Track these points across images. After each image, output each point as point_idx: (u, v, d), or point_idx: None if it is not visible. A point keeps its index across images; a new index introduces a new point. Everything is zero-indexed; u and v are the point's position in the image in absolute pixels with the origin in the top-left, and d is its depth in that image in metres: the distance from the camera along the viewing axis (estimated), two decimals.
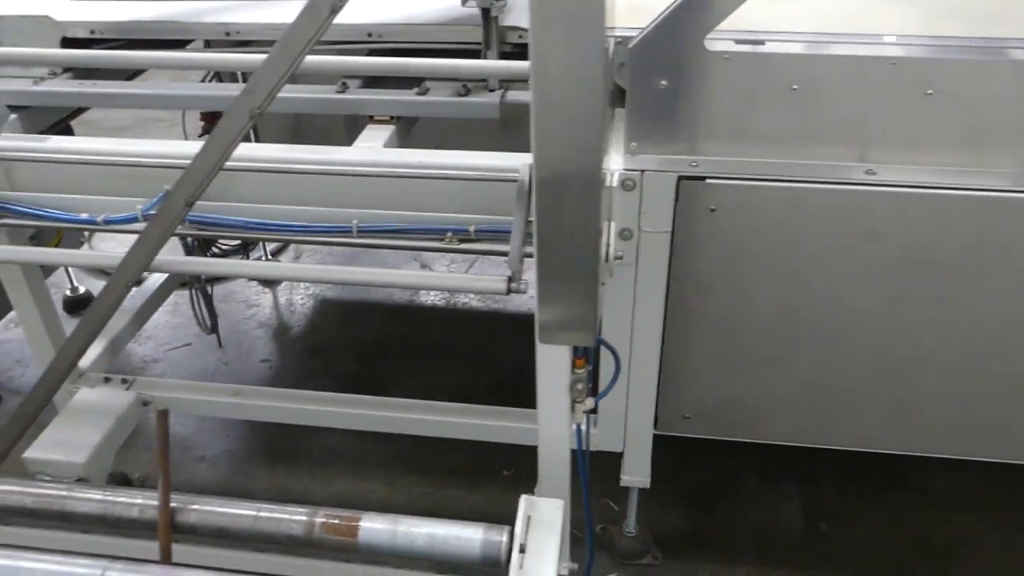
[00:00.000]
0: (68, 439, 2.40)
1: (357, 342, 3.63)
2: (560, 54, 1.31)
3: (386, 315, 3.80)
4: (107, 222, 2.01)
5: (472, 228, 1.90)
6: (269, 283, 3.97)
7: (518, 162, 1.81)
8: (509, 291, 1.68)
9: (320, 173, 1.90)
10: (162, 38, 2.33)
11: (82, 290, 3.84)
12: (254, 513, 1.60)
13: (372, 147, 2.09)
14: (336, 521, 1.58)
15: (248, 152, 1.99)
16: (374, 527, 1.56)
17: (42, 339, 2.55)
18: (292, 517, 1.59)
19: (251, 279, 3.99)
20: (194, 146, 2.08)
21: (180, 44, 2.35)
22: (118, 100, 2.30)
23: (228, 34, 2.28)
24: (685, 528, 2.72)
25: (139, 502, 1.63)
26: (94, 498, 1.64)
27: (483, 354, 3.53)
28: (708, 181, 1.94)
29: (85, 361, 2.72)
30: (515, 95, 2.17)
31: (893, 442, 2.32)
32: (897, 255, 1.99)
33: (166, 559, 1.60)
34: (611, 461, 2.46)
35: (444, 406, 2.52)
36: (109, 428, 2.47)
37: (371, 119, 2.20)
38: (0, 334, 3.76)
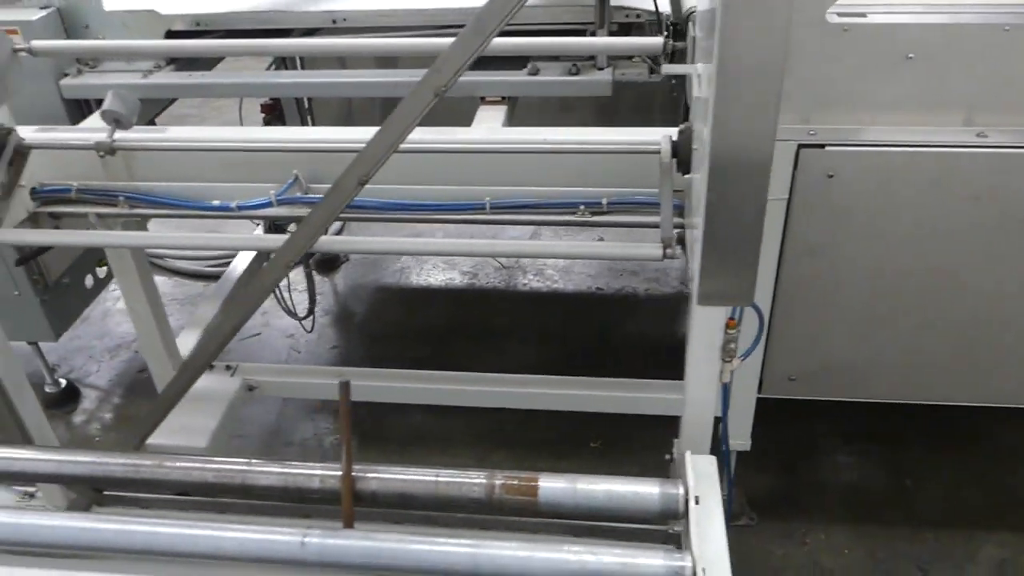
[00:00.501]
0: (187, 425, 2.45)
1: (422, 327, 3.68)
2: (748, 31, 1.37)
3: (446, 300, 3.86)
4: (241, 208, 2.05)
5: (605, 201, 1.96)
6: (330, 270, 4.02)
7: (656, 136, 1.88)
8: (664, 257, 1.75)
9: (457, 152, 1.96)
10: (267, 27, 2.36)
11: None
12: (434, 478, 1.66)
13: (491, 127, 2.15)
14: (515, 482, 1.64)
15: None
16: (554, 486, 1.63)
17: (149, 326, 2.58)
18: (473, 480, 1.65)
19: (400, 255, 4.01)
20: (318, 132, 2.15)
21: (281, 34, 2.39)
22: (227, 90, 2.34)
23: (335, 22, 2.32)
24: (777, 489, 2.81)
25: (319, 472, 1.69)
26: (274, 471, 1.70)
27: (549, 333, 3.60)
28: (828, 148, 2.02)
29: (183, 349, 2.77)
30: (623, 72, 2.24)
31: (984, 395, 2.42)
32: (998, 217, 2.09)
33: (348, 527, 1.66)
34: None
35: (559, 379, 2.60)
36: (223, 413, 2.53)
37: (482, 100, 2.26)
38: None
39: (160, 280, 3.97)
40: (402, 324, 3.71)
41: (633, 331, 3.60)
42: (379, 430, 3.12)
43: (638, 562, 1.49)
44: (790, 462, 2.90)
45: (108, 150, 1.98)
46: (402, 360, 3.47)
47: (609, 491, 1.62)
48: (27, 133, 2.04)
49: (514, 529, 2.11)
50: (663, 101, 3.17)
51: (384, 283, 3.96)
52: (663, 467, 2.21)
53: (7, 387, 2.07)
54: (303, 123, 3.51)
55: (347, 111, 3.57)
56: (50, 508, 2.27)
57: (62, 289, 3.09)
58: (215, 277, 4.02)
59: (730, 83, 1.41)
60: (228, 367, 2.69)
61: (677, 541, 1.79)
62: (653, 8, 2.14)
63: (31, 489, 2.33)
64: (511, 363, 3.35)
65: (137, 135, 2.03)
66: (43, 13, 2.30)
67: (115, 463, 1.74)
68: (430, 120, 2.19)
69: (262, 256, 3.46)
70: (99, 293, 3.74)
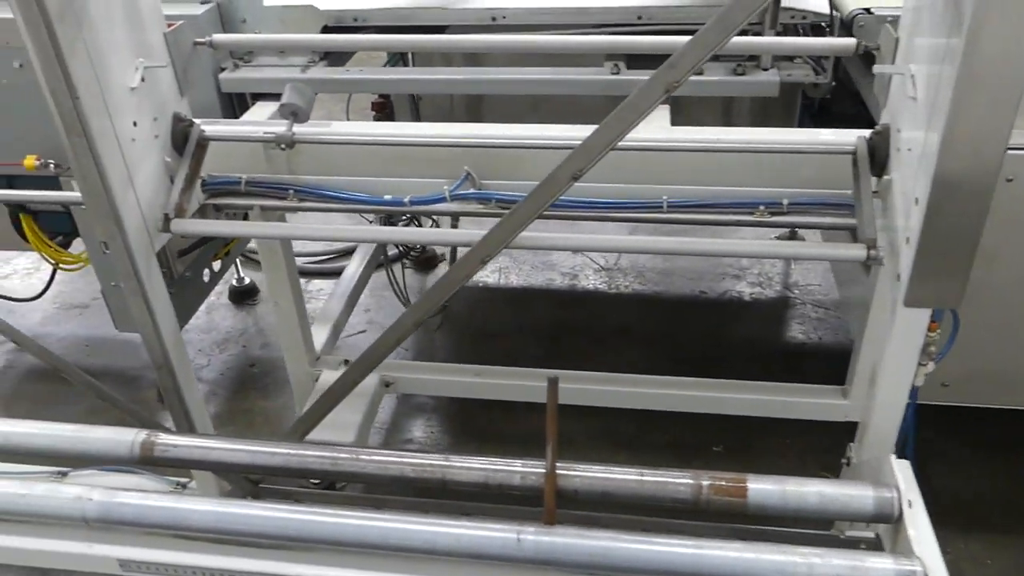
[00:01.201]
0: (332, 421, 2.45)
1: (529, 327, 3.68)
2: (998, 37, 1.35)
3: (549, 301, 3.85)
4: (414, 203, 2.06)
5: (785, 201, 1.94)
6: (428, 268, 4.03)
7: (843, 137, 1.87)
8: (868, 260, 1.73)
9: (639, 149, 1.94)
10: (426, 24, 2.37)
11: (247, 281, 3.90)
12: (638, 477, 1.65)
13: (661, 125, 2.14)
14: (723, 483, 1.63)
15: (556, 133, 2.04)
16: (763, 488, 1.61)
17: (291, 321, 2.59)
18: (679, 480, 1.63)
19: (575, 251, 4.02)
20: (487, 128, 2.13)
21: (438, 30, 2.39)
22: (392, 86, 2.35)
23: (494, 19, 2.32)
24: None
25: (520, 469, 1.68)
26: (475, 467, 1.69)
27: (656, 335, 3.58)
28: (1009, 152, 1.98)
29: (316, 345, 2.78)
30: (789, 73, 2.22)
31: None
32: None
33: (550, 524, 1.65)
34: (820, 431, 2.53)
35: (689, 381, 2.58)
36: (365, 408, 2.53)
37: None
38: None
39: (258, 275, 4.00)
40: (507, 323, 3.71)
41: (741, 335, 3.57)
42: (497, 430, 3.12)
43: (868, 566, 1.47)
44: (920, 470, 2.85)
45: (288, 143, 1.99)
46: (516, 359, 3.47)
47: (821, 493, 1.60)
48: (205, 126, 2.05)
49: (674, 531, 2.11)
50: (784, 102, 3.14)
51: (484, 282, 3.96)
52: (794, 471, 2.17)
53: (179, 377, 2.09)
54: (416, 120, 3.52)
55: (449, 108, 3.57)
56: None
57: (185, 282, 3.12)
58: (310, 273, 4.05)
59: (972, 87, 1.40)
60: None
61: (873, 545, 1.78)
62: (825, 11, 2.12)
63: (184, 480, 2.35)
64: (621, 364, 3.33)
65: (313, 129, 2.04)
66: (205, 8, 2.32)
67: (312, 455, 1.74)
68: (559, 117, 2.21)
69: (377, 252, 3.48)
70: (214, 287, 3.78)
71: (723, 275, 3.88)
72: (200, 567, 1.68)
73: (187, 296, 3.22)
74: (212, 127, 2.05)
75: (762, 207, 1.96)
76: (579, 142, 1.99)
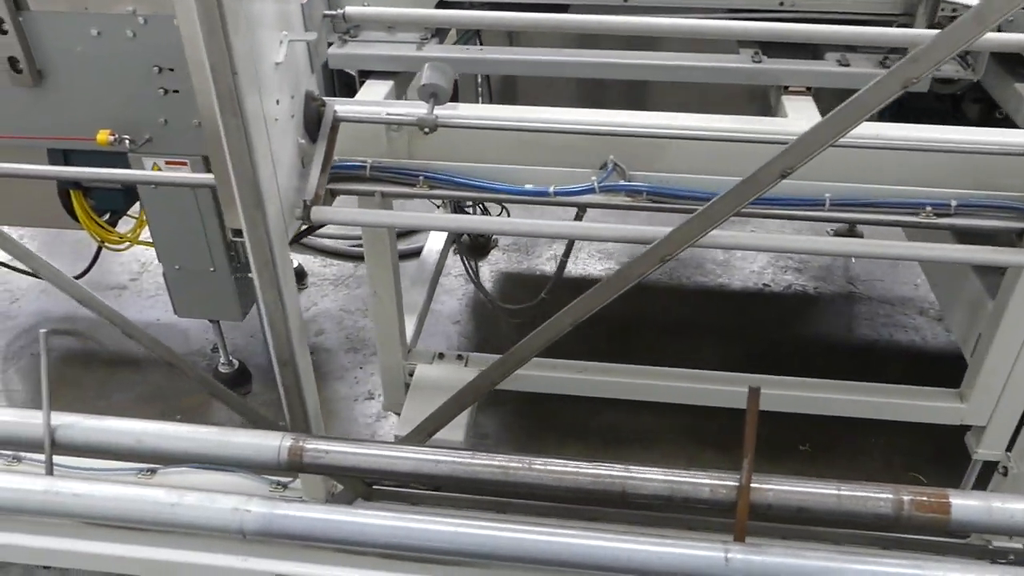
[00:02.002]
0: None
1: (595, 319, 3.56)
2: None
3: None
4: (558, 194, 1.94)
5: (953, 202, 1.87)
6: (480, 255, 3.90)
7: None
8: None
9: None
10: (548, 2, 2.24)
11: (296, 264, 3.74)
12: (836, 492, 1.57)
13: (811, 116, 2.05)
14: (925, 499, 1.55)
15: (691, 123, 1.94)
16: (967, 504, 1.54)
17: (390, 310, 2.46)
18: (879, 496, 1.56)
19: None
20: (640, 117, 2.01)
21: (560, 8, 2.26)
22: (514, 67, 2.22)
23: (625, 1, 2.21)
24: None
25: (709, 482, 1.59)
26: (658, 478, 1.60)
27: (722, 329, 3.52)
28: None
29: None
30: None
31: None
32: None
33: (740, 540, 1.57)
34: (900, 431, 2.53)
35: (776, 379, 2.53)
36: (473, 406, 2.41)
37: (784, 90, 2.15)
38: None
39: (305, 259, 3.85)
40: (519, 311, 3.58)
41: (808, 329, 3.52)
42: (581, 426, 3.03)
43: None
44: None
45: (431, 126, 1.86)
46: (583, 353, 3.37)
47: None
48: (337, 106, 1.91)
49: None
50: None
51: (538, 270, 3.85)
52: (881, 471, 2.09)
53: (301, 377, 1.96)
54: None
55: (513, 91, 3.43)
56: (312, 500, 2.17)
57: (248, 267, 2.97)
58: (359, 257, 3.90)
59: None
60: (460, 356, 2.58)
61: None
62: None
63: (285, 479, 2.22)
64: (694, 359, 3.26)
65: (457, 112, 1.91)
66: None
67: (481, 464, 1.63)
68: (697, 107, 2.11)
69: (449, 241, 3.36)
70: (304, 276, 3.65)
71: (785, 268, 3.82)
72: None
73: (250, 282, 3.07)
74: (345, 107, 1.91)
75: (928, 208, 1.89)
76: (731, 134, 1.93)
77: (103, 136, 2.55)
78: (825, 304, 3.64)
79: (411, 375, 2.56)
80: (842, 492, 1.57)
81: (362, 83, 2.27)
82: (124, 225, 3.05)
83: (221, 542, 1.57)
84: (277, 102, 1.73)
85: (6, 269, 3.53)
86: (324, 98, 1.91)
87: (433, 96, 1.89)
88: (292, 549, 1.57)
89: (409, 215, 2.10)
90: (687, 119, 1.96)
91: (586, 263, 3.89)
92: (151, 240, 2.92)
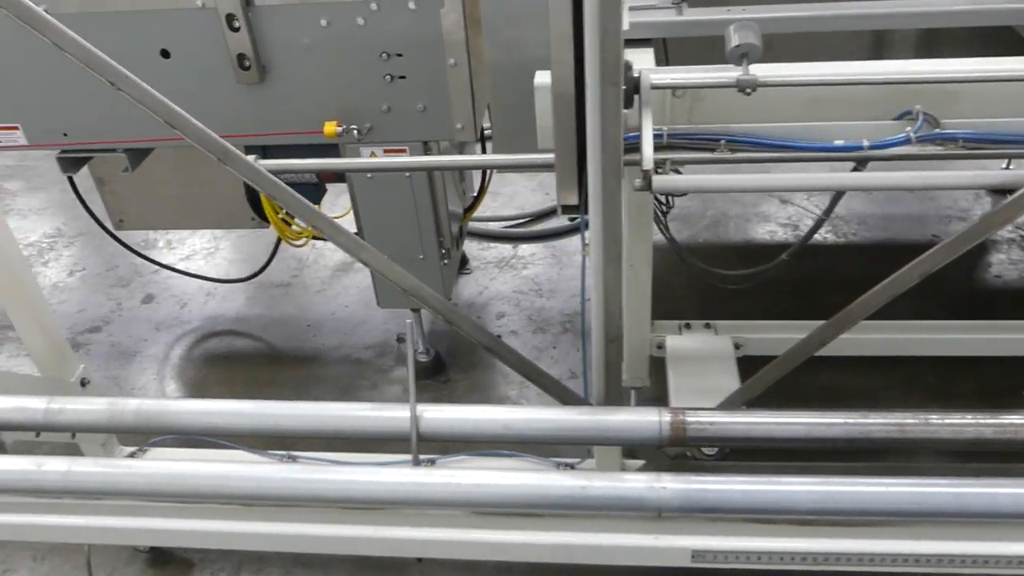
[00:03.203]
0: (701, 387, 2.32)
1: (770, 281, 3.53)
2: None
3: (775, 252, 3.68)
4: (873, 147, 1.90)
5: None
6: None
7: None
8: None
9: None
10: None
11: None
12: None
13: None
14: None
15: (995, 67, 1.89)
16: None
17: (644, 283, 2.43)
18: None
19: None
20: (938, 65, 1.96)
21: None
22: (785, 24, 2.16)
23: None
24: None
25: None
26: None
27: None
28: None
29: None
30: None
31: None
32: None
33: None
34: None
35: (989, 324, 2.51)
36: (737, 372, 2.39)
37: None
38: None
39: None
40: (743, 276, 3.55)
41: (996, 277, 3.47)
42: (796, 387, 2.99)
43: None
44: None
45: (751, 86, 1.82)
46: (773, 313, 3.34)
47: None
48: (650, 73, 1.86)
49: None
50: None
51: (704, 238, 3.81)
52: None
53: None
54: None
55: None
56: None
57: (450, 254, 2.94)
58: (518, 238, 3.86)
59: None
60: (707, 325, 2.55)
61: None
62: None
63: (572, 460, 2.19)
64: (889, 313, 3.22)
65: (775, 71, 1.86)
66: None
67: (876, 424, 1.60)
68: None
69: None
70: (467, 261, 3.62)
71: (947, 218, 3.78)
72: (783, 551, 1.54)
73: (452, 269, 3.05)
74: (658, 75, 1.87)
75: None
76: None
77: (331, 128, 2.50)
78: (1002, 250, 3.60)
79: (659, 347, 2.53)
80: None
81: None
82: None
83: (629, 522, 1.54)
84: None
85: (172, 273, 3.52)
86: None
87: (745, 56, 1.84)
88: (702, 523, 1.54)
89: (750, 178, 2.05)
90: (987, 63, 1.91)
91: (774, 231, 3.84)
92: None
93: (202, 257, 3.90)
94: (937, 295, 3.35)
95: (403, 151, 2.61)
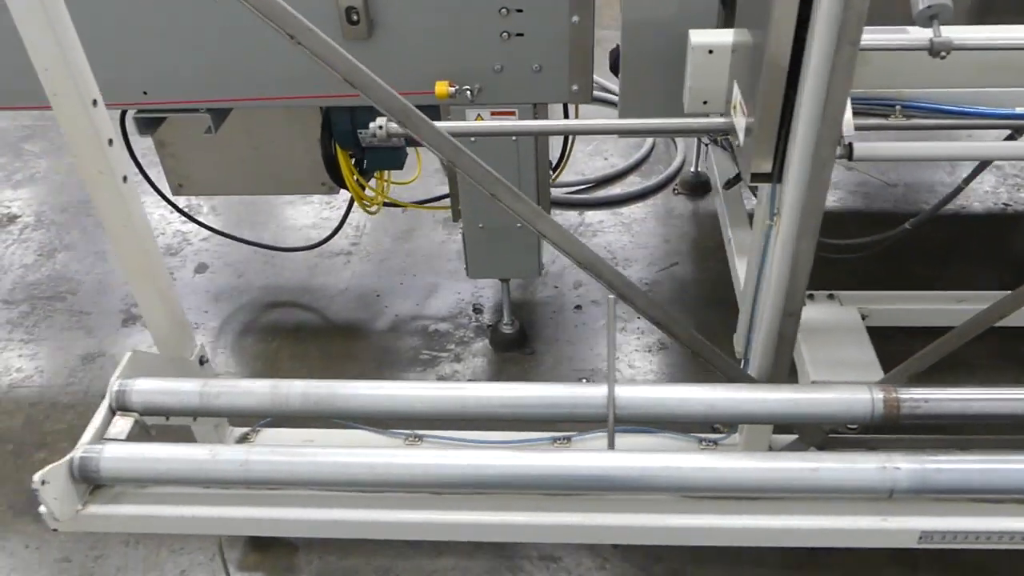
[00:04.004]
0: (839, 359, 2.26)
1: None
2: None
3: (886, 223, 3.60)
4: None
5: None
6: (701, 195, 3.77)
7: None
8: None
9: None
10: None
11: None
12: None
13: None
14: None
15: None
16: None
17: None
18: None
19: None
20: None
21: None
22: None
23: None
24: None
25: None
26: None
27: (981, 251, 3.43)
28: None
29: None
30: None
31: None
32: None
33: None
34: None
35: None
36: (869, 344, 2.33)
37: None
38: None
39: None
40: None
41: None
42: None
43: None
44: None
45: (946, 49, 1.73)
46: (852, 284, 3.28)
47: None
48: None
49: None
50: None
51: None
52: None
53: None
54: None
55: None
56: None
57: None
58: (585, 205, 3.76)
59: None
60: (831, 296, 2.48)
61: None
62: None
63: (713, 436, 2.12)
64: (967, 283, 3.19)
65: (968, 33, 1.77)
66: None
67: None
68: None
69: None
70: None
71: (1017, 186, 3.75)
72: (1011, 531, 1.49)
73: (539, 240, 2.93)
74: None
75: None
76: None
77: (442, 88, 2.37)
78: None
79: None
80: None
81: None
82: None
83: (852, 503, 1.48)
84: None
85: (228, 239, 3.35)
86: None
87: (935, 18, 1.75)
88: (929, 503, 1.48)
89: (953, 146, 1.97)
90: None
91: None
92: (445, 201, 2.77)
93: (248, 226, 3.72)
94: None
95: (512, 113, 2.48)
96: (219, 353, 3.10)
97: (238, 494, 1.58)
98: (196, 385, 1.65)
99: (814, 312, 2.43)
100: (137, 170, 3.09)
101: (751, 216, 3.04)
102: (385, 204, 3.15)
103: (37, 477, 1.46)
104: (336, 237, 3.26)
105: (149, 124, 2.64)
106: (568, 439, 2.15)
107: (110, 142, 1.70)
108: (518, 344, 3.07)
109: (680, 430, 2.11)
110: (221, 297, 3.35)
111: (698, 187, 3.77)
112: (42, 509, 1.53)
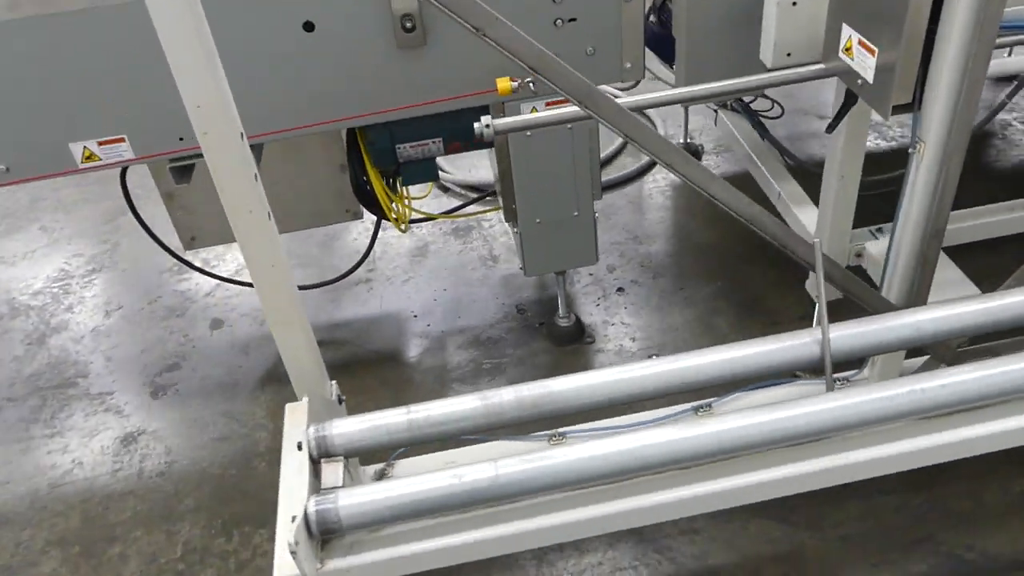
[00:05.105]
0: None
1: None
2: None
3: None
4: None
5: None
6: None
7: None
8: None
9: None
10: None
11: None
12: None
13: None
14: None
15: None
16: None
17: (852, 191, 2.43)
18: None
19: None
20: None
21: None
22: None
23: None
24: None
25: None
26: None
27: None
28: None
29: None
30: None
31: None
32: None
33: None
34: None
35: None
36: (954, 265, 2.45)
37: None
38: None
39: None
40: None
41: None
42: None
43: None
44: None
45: None
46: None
47: None
48: None
49: None
50: None
51: None
52: None
53: None
54: None
55: None
56: None
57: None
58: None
59: None
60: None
61: None
62: None
63: (839, 375, 2.17)
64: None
65: None
66: None
67: None
68: None
69: None
70: None
71: None
72: None
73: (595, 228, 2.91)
74: None
75: None
76: None
77: (504, 84, 2.31)
78: None
79: (857, 255, 2.56)
80: None
81: None
82: None
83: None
84: None
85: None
86: None
87: None
88: None
89: None
90: None
91: None
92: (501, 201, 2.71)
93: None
94: None
95: (565, 102, 2.45)
96: (274, 406, 2.93)
97: (478, 515, 1.49)
98: (401, 413, 1.55)
99: (885, 245, 2.53)
100: (144, 231, 2.91)
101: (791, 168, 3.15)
102: (413, 220, 3.06)
103: (290, 539, 1.32)
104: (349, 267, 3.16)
105: (184, 172, 2.47)
106: (709, 406, 2.15)
107: (255, 177, 1.58)
108: (577, 336, 3.05)
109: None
110: (250, 349, 3.17)
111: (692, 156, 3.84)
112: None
